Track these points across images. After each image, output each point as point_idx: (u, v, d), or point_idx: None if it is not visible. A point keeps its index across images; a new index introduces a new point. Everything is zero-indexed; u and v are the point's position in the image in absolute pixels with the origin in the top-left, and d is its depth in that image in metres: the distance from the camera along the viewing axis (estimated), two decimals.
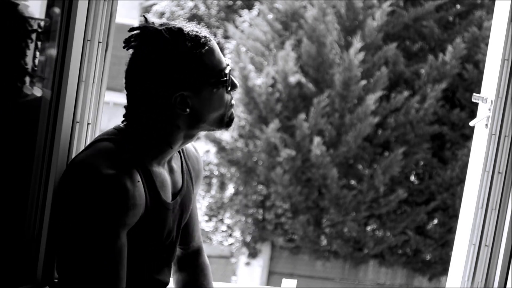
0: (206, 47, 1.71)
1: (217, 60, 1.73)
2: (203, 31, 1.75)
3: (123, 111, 1.79)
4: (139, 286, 1.78)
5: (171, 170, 1.82)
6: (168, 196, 1.78)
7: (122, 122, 1.79)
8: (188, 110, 1.69)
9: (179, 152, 1.89)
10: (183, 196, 1.85)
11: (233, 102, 1.79)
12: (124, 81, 1.73)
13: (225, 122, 1.77)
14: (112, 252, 1.59)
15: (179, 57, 1.67)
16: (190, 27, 1.73)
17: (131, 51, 1.73)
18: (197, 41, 1.70)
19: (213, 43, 1.74)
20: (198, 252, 2.06)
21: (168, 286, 1.90)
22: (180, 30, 1.70)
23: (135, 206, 1.63)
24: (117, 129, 1.76)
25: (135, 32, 1.72)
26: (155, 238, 1.76)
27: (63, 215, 1.63)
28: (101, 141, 1.71)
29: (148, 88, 1.68)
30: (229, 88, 1.75)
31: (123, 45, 1.74)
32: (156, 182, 1.72)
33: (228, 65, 1.76)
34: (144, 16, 1.76)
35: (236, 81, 1.78)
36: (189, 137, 1.77)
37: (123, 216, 1.60)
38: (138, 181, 1.65)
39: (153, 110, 1.70)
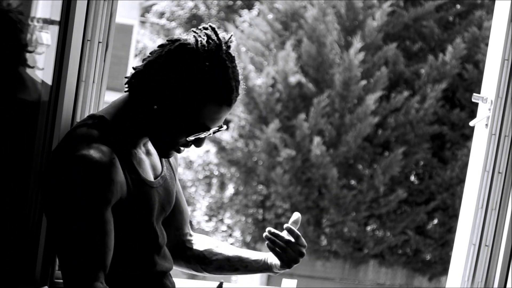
0: (226, 98, 1.72)
1: (216, 113, 1.73)
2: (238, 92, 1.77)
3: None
4: (138, 274, 1.79)
5: (148, 153, 1.85)
6: (149, 176, 1.80)
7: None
8: (156, 106, 1.71)
9: None
10: (165, 179, 1.86)
11: (183, 148, 1.78)
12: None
13: (166, 150, 1.78)
14: (97, 226, 1.63)
15: (202, 73, 1.70)
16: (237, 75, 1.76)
17: (148, 56, 1.76)
18: (228, 87, 1.72)
19: (233, 102, 1.75)
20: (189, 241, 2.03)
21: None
22: (226, 65, 1.72)
23: (114, 182, 1.66)
24: (91, 116, 1.78)
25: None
26: (144, 219, 1.77)
27: (49, 203, 1.68)
28: (75, 128, 1.74)
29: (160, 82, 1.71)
30: (192, 139, 1.75)
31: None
32: (133, 161, 1.76)
33: (221, 127, 1.76)
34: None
35: (203, 144, 1.78)
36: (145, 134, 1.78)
37: (103, 191, 1.64)
38: (114, 158, 1.68)
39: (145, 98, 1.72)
